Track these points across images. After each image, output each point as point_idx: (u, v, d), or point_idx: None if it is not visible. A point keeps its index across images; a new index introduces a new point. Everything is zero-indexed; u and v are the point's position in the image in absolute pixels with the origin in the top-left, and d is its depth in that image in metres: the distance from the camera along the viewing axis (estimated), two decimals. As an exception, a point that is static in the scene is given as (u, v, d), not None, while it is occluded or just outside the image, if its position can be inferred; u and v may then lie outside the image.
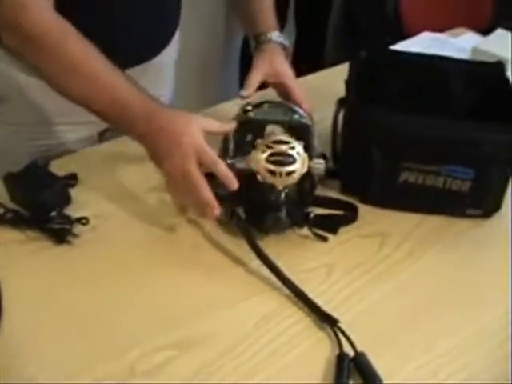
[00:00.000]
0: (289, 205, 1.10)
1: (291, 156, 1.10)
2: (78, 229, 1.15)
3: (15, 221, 1.16)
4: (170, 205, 1.21)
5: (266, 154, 1.10)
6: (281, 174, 1.08)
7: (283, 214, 1.09)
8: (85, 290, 1.07)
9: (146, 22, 1.36)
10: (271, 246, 1.09)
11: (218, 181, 1.09)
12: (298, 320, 1.02)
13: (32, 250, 1.13)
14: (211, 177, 1.09)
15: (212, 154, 1.08)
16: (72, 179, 1.25)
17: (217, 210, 1.07)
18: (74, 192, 1.22)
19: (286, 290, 1.05)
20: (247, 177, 1.11)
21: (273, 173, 1.08)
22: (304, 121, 1.21)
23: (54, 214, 1.16)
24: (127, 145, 1.23)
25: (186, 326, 1.01)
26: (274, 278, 1.06)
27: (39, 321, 1.01)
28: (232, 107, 1.32)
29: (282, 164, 1.08)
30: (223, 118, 1.27)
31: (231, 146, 1.18)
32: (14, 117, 1.38)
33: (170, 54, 1.53)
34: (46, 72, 1.15)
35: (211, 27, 2.87)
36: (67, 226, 1.15)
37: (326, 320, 1.00)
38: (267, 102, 1.25)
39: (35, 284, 1.07)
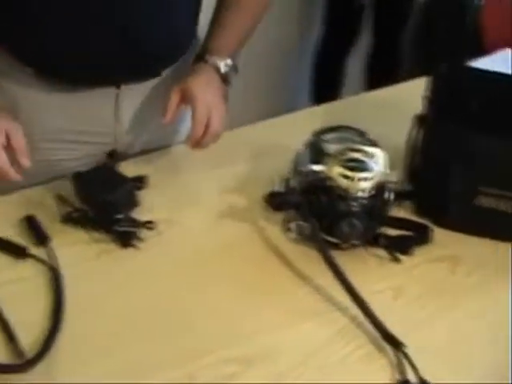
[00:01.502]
0: (363, 217, 1.08)
1: (365, 163, 1.09)
2: (143, 233, 1.15)
3: (81, 221, 1.16)
4: (241, 213, 1.20)
5: (341, 160, 1.09)
6: (354, 179, 1.07)
7: (356, 221, 1.07)
8: (147, 295, 1.06)
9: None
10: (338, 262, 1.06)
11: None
12: (360, 344, 0.99)
13: (97, 252, 1.12)
14: None
15: None
16: (140, 182, 1.24)
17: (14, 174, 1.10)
18: (141, 195, 1.22)
19: (351, 312, 1.01)
20: (320, 186, 1.10)
21: (347, 177, 1.07)
22: (373, 147, 1.18)
23: (120, 216, 1.15)
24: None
25: (249, 341, 0.99)
26: (339, 298, 1.03)
27: (101, 323, 1.01)
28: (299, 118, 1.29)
29: (357, 169, 1.08)
30: (291, 127, 1.25)
31: (306, 156, 1.17)
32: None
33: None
34: None
35: (283, 31, 2.84)
36: (133, 230, 1.14)
37: (391, 343, 0.97)
38: (338, 127, 1.22)
39: (98, 286, 1.07)
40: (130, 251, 1.13)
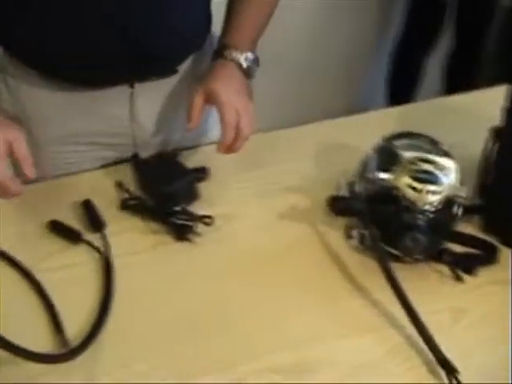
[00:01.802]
0: (427, 231, 1.03)
1: (436, 176, 1.04)
2: (201, 227, 1.12)
3: (139, 209, 1.15)
4: (303, 214, 1.16)
5: (410, 170, 1.05)
6: (422, 191, 1.03)
7: (421, 235, 1.02)
8: (199, 292, 1.03)
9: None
10: (398, 277, 1.00)
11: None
12: (413, 365, 0.94)
13: (152, 243, 1.11)
14: None
15: None
16: (202, 173, 1.22)
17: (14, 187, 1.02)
18: (201, 187, 1.19)
19: (407, 330, 0.97)
20: (386, 195, 1.06)
21: (415, 189, 1.03)
22: (446, 158, 1.12)
23: (178, 208, 1.13)
24: (265, 142, 1.19)
25: (299, 349, 0.95)
26: (396, 315, 0.98)
27: (149, 317, 0.99)
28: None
29: (426, 182, 1.03)
30: (362, 128, 1.21)
31: (374, 161, 1.12)
32: (34, 135, 1.30)
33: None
34: None
35: (360, 29, 2.78)
36: (190, 223, 1.12)
37: (445, 368, 0.92)
38: (411, 133, 1.17)
39: (149, 278, 1.05)
40: (185, 245, 1.11)
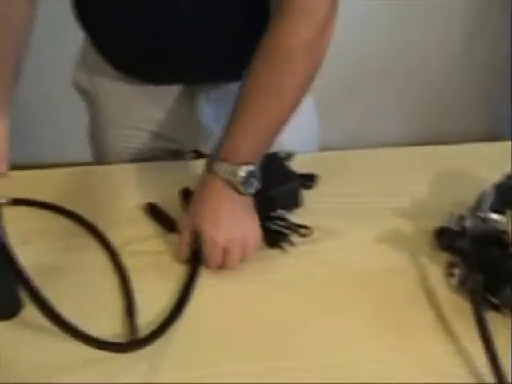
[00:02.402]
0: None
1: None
2: (296, 237, 1.08)
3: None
4: (405, 241, 1.10)
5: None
6: (533, 242, 0.95)
7: (525, 288, 0.95)
8: (277, 302, 1.00)
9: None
10: (492, 327, 0.92)
11: None
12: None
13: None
14: None
15: None
16: (310, 180, 1.18)
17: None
18: (305, 195, 1.16)
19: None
20: (495, 238, 0.98)
21: (526, 238, 0.96)
22: None
23: (277, 213, 1.10)
24: (376, 158, 1.14)
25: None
26: (483, 370, 0.90)
27: (223, 321, 0.97)
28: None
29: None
30: (487, 158, 1.16)
31: (490, 199, 1.05)
32: (105, 115, 1.37)
33: None
34: None
35: (493, 48, 2.64)
36: (286, 231, 1.08)
37: None
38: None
39: (231, 280, 1.03)
40: (276, 252, 1.08)
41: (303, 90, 1.05)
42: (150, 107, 1.32)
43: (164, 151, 1.39)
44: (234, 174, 1.01)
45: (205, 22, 1.13)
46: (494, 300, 0.97)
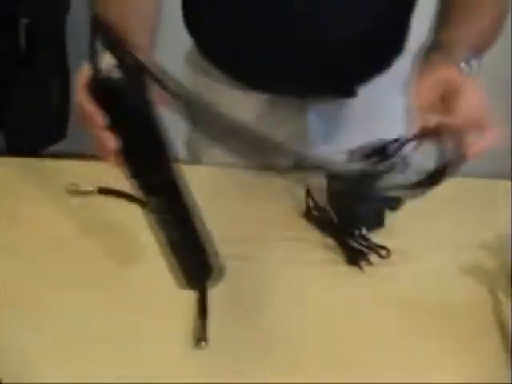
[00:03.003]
0: None
1: None
2: (375, 258, 1.09)
3: (319, 221, 1.13)
4: (485, 274, 1.09)
5: None
6: None
7: None
8: (347, 321, 1.00)
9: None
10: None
11: None
12: None
13: (320, 257, 1.10)
14: None
15: None
16: (395, 202, 1.18)
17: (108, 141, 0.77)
18: (389, 216, 1.16)
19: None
20: None
21: None
22: None
23: (359, 231, 1.10)
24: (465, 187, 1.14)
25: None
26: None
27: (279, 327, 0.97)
28: None
29: None
30: None
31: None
32: None
33: (388, 96, 1.29)
34: None
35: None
36: (365, 250, 1.09)
37: None
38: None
39: (303, 291, 1.03)
40: (355, 270, 1.08)
41: None
42: (255, 115, 1.29)
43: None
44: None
45: (332, 35, 1.15)
46: None
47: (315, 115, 1.29)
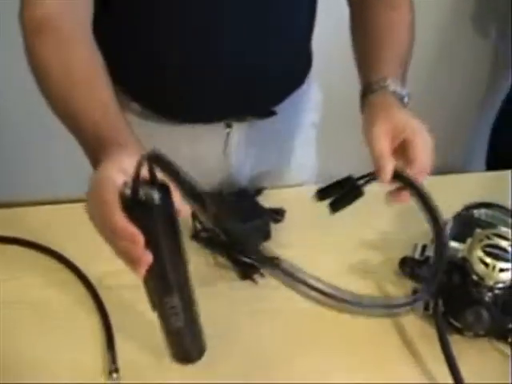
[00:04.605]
0: (494, 309, 1.00)
1: (509, 253, 1.00)
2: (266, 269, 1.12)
3: (209, 241, 1.16)
4: (371, 272, 1.15)
5: (484, 244, 1.02)
6: (494, 268, 0.99)
7: (486, 312, 0.99)
8: (245, 332, 1.03)
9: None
10: (457, 350, 0.97)
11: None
12: None
13: (216, 276, 1.12)
14: None
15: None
16: (278, 214, 1.22)
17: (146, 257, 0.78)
18: (274, 228, 1.20)
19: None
20: (456, 265, 1.03)
21: (486, 264, 1.00)
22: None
23: (247, 246, 1.13)
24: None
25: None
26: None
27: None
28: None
29: (498, 258, 1.00)
30: (451, 190, 1.21)
31: (452, 228, 1.11)
32: None
33: (300, 115, 1.39)
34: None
35: (471, 78, 2.71)
36: (257, 264, 1.12)
37: None
38: (494, 204, 1.15)
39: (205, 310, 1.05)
40: (247, 284, 1.11)
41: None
42: (179, 146, 1.26)
43: None
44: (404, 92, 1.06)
45: (246, 59, 1.18)
46: (456, 324, 1.02)
47: (236, 138, 1.31)
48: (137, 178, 0.73)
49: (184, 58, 1.15)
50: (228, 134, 1.29)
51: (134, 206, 0.75)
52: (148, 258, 0.77)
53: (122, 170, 0.78)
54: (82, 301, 1.07)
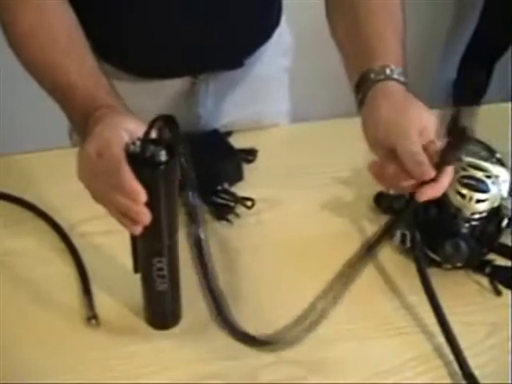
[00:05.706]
0: (470, 240, 1.00)
1: (485, 184, 1.01)
2: (241, 209, 1.11)
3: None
4: (346, 208, 1.14)
5: (460, 176, 1.02)
6: (470, 199, 1.00)
7: (464, 244, 0.99)
8: (227, 269, 1.02)
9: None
10: (436, 283, 0.98)
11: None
12: (437, 376, 0.90)
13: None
14: None
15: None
16: (250, 155, 1.20)
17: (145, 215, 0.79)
18: (247, 169, 1.18)
19: (436, 339, 0.94)
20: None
21: (462, 196, 1.00)
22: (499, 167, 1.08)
23: (221, 187, 1.12)
24: (317, 130, 1.17)
25: (323, 347, 0.93)
26: (428, 321, 0.96)
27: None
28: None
29: (474, 189, 1.00)
30: None
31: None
32: None
33: (271, 61, 1.36)
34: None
35: (435, 17, 2.70)
36: (231, 204, 1.11)
37: (469, 382, 0.89)
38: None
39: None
40: (223, 225, 1.10)
41: None
42: (148, 102, 1.21)
43: None
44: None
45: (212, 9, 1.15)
46: (434, 257, 1.02)
47: (205, 93, 1.29)
48: (146, 136, 0.76)
49: (146, 12, 1.13)
50: (195, 84, 1.27)
51: (140, 163, 0.77)
52: (147, 216, 0.79)
53: (127, 130, 0.81)
54: (55, 249, 1.05)
